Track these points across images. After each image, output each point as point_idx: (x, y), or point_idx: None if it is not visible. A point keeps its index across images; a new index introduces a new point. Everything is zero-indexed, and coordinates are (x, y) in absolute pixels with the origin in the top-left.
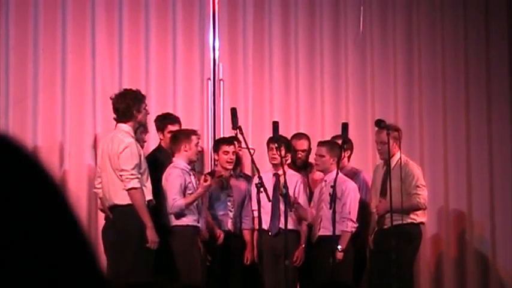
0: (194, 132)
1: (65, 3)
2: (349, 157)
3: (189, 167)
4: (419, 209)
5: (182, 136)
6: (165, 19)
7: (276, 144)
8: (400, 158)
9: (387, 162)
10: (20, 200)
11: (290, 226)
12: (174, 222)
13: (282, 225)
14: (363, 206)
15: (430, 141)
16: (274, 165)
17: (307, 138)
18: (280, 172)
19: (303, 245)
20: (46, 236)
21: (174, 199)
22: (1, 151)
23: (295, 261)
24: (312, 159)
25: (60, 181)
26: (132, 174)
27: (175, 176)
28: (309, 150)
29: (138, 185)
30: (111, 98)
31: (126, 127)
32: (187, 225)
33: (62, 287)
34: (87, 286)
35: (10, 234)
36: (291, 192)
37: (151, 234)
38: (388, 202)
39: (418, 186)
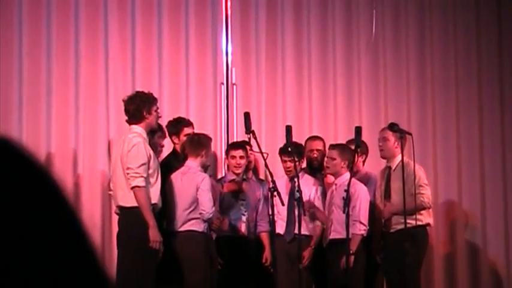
0: (211, 138)
1: (77, 8)
2: (364, 161)
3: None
4: (423, 208)
5: (204, 141)
6: (177, 24)
7: (289, 158)
8: (402, 159)
9: (389, 163)
10: (20, 202)
11: (304, 231)
12: (194, 227)
13: (297, 231)
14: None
15: (443, 145)
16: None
17: (322, 140)
18: (295, 179)
19: (312, 247)
20: (45, 236)
21: (214, 207)
22: (2, 154)
23: (303, 261)
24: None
25: (74, 186)
26: (137, 173)
27: (209, 184)
28: (324, 152)
29: (142, 184)
30: (123, 100)
31: (138, 128)
32: (202, 232)
33: (64, 286)
34: (89, 285)
35: (9, 235)
36: (306, 196)
37: (153, 234)
38: (392, 205)
39: (421, 186)
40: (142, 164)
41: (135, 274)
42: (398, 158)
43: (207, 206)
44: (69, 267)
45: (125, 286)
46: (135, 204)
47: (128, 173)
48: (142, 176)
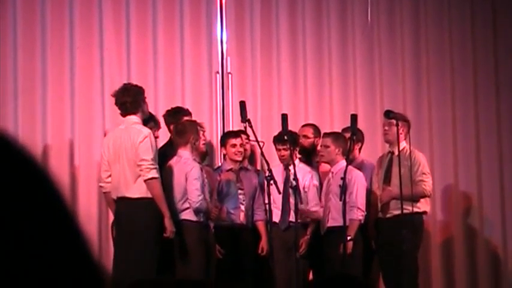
0: (198, 123)
1: None
2: (359, 149)
3: (197, 160)
4: (424, 196)
5: (188, 127)
6: (172, 13)
7: (284, 146)
8: (405, 147)
9: (391, 148)
10: (14, 199)
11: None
12: (187, 216)
13: (292, 219)
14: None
15: (439, 132)
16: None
17: (313, 126)
18: (291, 167)
19: (309, 235)
20: (39, 234)
21: (203, 197)
22: None
23: (300, 249)
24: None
25: (70, 177)
26: (152, 164)
27: (198, 173)
28: (312, 139)
29: (157, 175)
30: (113, 96)
31: (136, 119)
32: (196, 221)
33: (58, 285)
34: (83, 284)
35: (2, 233)
36: (301, 185)
37: (169, 224)
38: (392, 190)
39: (424, 173)
40: (155, 155)
41: (139, 264)
42: (402, 144)
43: (193, 195)
44: (63, 266)
45: (127, 276)
46: (143, 195)
47: (141, 165)
48: (156, 168)
